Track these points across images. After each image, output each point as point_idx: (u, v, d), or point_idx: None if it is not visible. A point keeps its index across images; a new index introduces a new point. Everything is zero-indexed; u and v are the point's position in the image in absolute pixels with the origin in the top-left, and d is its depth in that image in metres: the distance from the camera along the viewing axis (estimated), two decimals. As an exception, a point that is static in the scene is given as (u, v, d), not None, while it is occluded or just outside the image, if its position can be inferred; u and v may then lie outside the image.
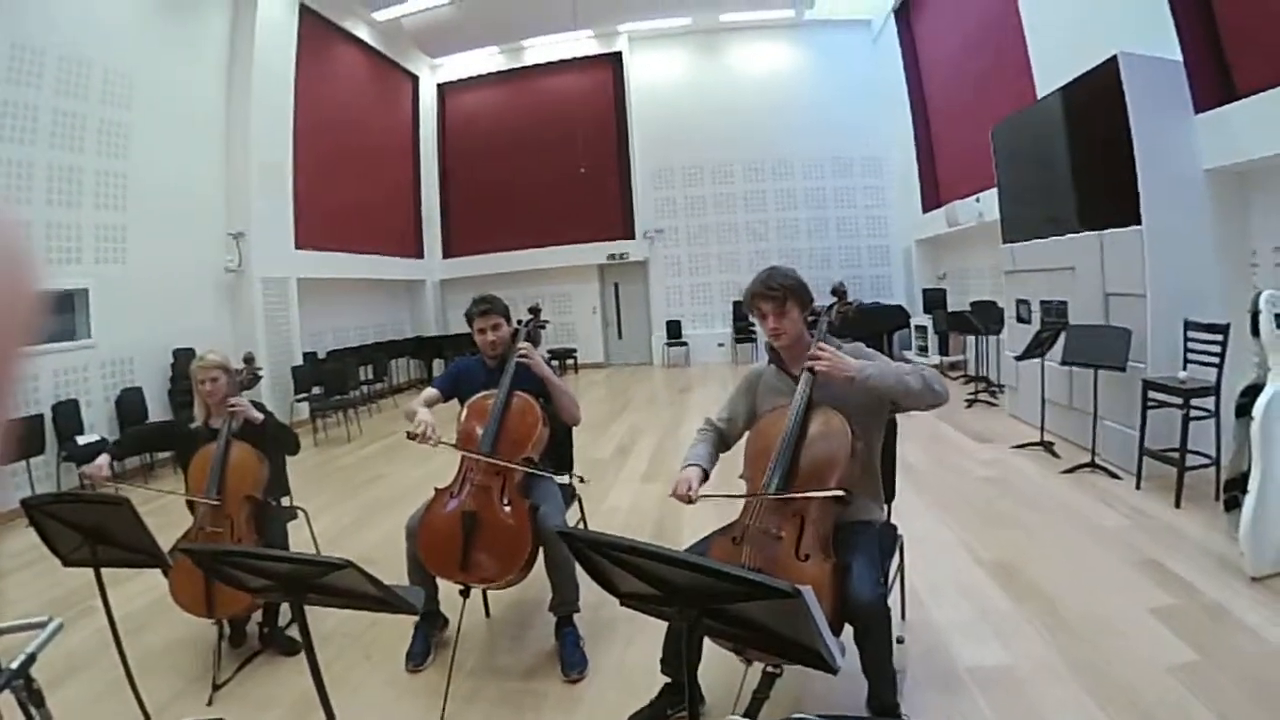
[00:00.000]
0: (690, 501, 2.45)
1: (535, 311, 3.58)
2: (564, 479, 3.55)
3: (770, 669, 2.25)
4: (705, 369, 13.61)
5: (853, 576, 2.21)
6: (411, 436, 3.04)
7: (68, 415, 6.82)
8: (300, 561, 1.71)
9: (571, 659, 3.01)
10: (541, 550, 3.01)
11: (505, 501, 2.99)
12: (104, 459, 3.28)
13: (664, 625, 2.55)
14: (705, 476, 2.59)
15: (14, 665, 1.55)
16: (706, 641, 2.42)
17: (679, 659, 2.33)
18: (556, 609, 3.12)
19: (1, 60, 6.51)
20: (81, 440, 6.76)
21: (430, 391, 3.40)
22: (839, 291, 2.77)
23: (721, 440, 2.79)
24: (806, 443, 2.40)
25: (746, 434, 2.69)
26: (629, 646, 3.17)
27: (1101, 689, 2.58)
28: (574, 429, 3.56)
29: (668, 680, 2.59)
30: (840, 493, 2.25)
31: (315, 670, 1.79)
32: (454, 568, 2.93)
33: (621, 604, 1.53)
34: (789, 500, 2.31)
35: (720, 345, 14.45)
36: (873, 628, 2.21)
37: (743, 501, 2.48)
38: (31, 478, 6.24)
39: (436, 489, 3.14)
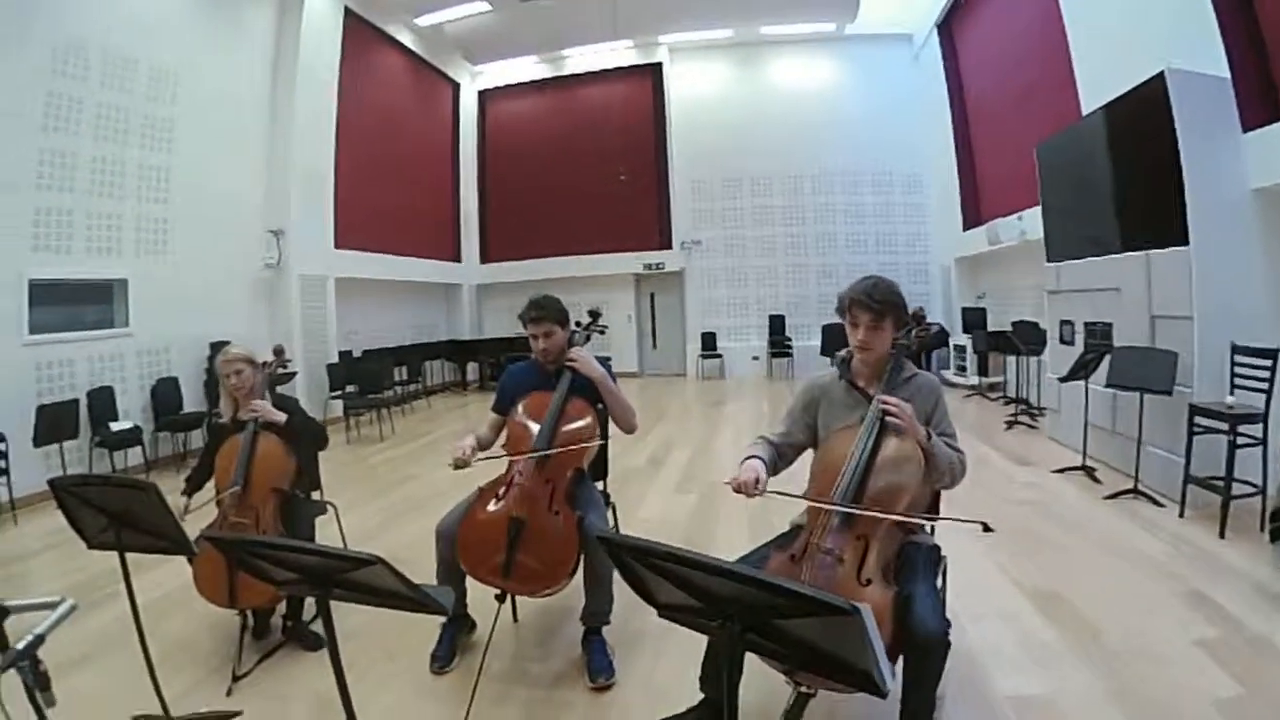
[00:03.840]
0: (755, 493, 2.28)
1: (595, 315, 3.45)
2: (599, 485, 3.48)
3: (805, 689, 2.17)
4: (739, 382, 13.48)
5: (916, 606, 2.11)
6: (457, 465, 2.99)
7: (103, 402, 6.94)
8: (328, 555, 1.66)
9: (598, 665, 2.93)
10: (583, 557, 2.93)
11: (554, 510, 2.92)
12: (183, 502, 3.28)
13: (696, 639, 2.47)
14: (768, 473, 2.43)
15: (20, 646, 1.50)
16: (747, 661, 2.34)
17: (719, 676, 2.24)
18: (586, 619, 3.04)
19: (49, 55, 6.65)
20: (115, 426, 6.87)
21: (492, 418, 3.30)
22: (918, 316, 2.67)
23: (777, 454, 2.61)
24: (877, 466, 2.32)
25: (812, 451, 2.55)
26: (658, 660, 3.10)
27: (1146, 722, 2.47)
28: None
29: (704, 696, 2.51)
30: (919, 521, 2.19)
31: (337, 666, 1.75)
32: (495, 573, 2.85)
33: (659, 615, 1.46)
34: (852, 522, 2.23)
35: (755, 359, 14.29)
36: (932, 661, 2.11)
37: (802, 519, 2.40)
38: (64, 460, 6.32)
39: (481, 488, 3.07)
